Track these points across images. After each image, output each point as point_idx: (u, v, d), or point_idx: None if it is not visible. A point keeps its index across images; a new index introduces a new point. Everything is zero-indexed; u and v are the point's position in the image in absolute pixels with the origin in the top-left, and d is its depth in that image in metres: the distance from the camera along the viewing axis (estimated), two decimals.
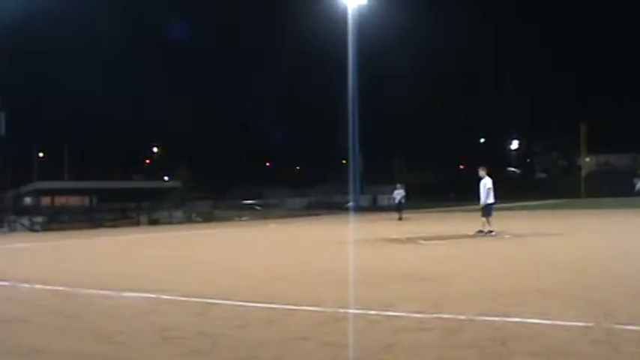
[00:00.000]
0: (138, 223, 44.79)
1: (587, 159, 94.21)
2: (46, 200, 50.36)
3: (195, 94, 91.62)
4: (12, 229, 39.81)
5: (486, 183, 22.08)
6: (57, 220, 43.61)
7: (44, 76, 76.41)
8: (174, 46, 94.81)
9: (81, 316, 9.10)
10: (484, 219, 21.91)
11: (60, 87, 75.44)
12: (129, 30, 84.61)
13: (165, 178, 76.91)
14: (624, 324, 7.11)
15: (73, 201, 52.06)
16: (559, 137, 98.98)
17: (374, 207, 72.77)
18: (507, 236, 20.98)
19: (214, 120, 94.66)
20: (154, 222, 45.58)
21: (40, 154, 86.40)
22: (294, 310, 8.75)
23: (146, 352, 6.94)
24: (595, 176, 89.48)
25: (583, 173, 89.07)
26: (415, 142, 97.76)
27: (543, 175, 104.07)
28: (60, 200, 51.40)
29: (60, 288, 11.94)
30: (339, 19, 47.98)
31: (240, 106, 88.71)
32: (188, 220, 48.98)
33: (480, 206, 22.30)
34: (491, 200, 22.00)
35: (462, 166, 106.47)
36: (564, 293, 9.33)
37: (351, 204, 63.81)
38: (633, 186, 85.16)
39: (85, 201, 51.80)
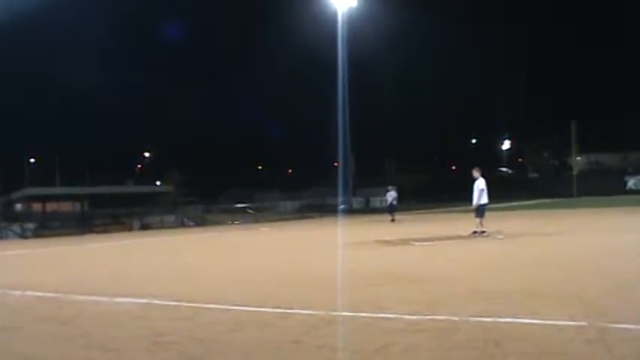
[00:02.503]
0: (130, 229, 44.82)
1: (578, 158, 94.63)
2: (37, 206, 50.35)
3: (187, 98, 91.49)
4: (3, 236, 39.71)
5: (479, 184, 22.07)
6: (48, 226, 43.63)
7: (36, 80, 76.27)
8: (164, 49, 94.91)
9: (73, 322, 9.04)
10: (477, 220, 21.91)
11: (52, 92, 75.33)
12: (121, 31, 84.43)
13: (157, 182, 76.88)
14: (617, 323, 7.09)
15: (65, 207, 52.02)
16: (550, 137, 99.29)
17: (366, 209, 72.94)
18: (500, 237, 20.97)
19: (206, 124, 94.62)
20: (145, 227, 45.56)
21: (32, 160, 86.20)
22: (287, 313, 8.71)
23: (138, 357, 6.90)
24: (586, 175, 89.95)
25: (574, 172, 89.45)
26: (407, 144, 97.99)
27: (535, 175, 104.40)
28: (51, 206, 51.38)
29: (51, 295, 11.90)
30: (329, 22, 48.06)
31: (232, 109, 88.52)
32: (180, 224, 49.02)
33: (473, 207, 22.30)
34: (484, 201, 21.99)
35: (454, 167, 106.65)
36: (557, 293, 9.31)
37: (343, 206, 63.87)
38: (624, 184, 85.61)
39: (77, 207, 51.73)
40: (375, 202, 76.02)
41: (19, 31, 65.64)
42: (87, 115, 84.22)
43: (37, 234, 40.18)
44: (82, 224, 45.21)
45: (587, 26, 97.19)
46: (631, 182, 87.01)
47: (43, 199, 51.10)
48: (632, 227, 24.07)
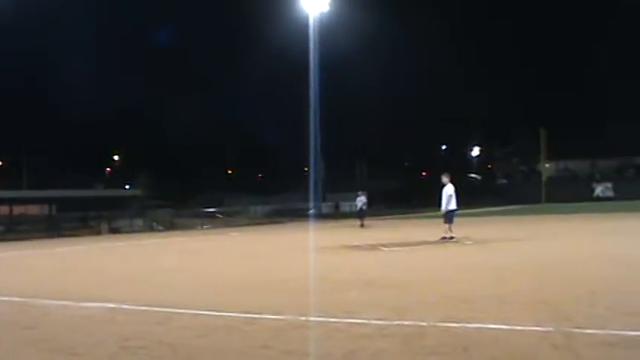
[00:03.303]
0: (98, 232, 44.49)
1: (547, 165, 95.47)
2: (4, 209, 49.60)
3: (159, 102, 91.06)
4: None
5: (448, 190, 22.17)
6: (15, 229, 43.11)
7: (3, 80, 75.54)
8: (137, 52, 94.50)
9: (38, 327, 8.95)
10: (446, 225, 22.01)
11: (20, 93, 74.61)
12: (90, 32, 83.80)
13: (127, 186, 76.33)
14: (583, 328, 7.17)
15: (32, 210, 51.40)
16: (519, 143, 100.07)
17: (336, 214, 72.93)
18: (469, 242, 21.09)
19: (177, 127, 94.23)
20: (114, 231, 45.23)
21: None
22: (255, 318, 8.69)
23: None
24: (555, 182, 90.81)
25: (543, 179, 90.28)
26: (377, 150, 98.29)
27: (504, 181, 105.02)
28: (18, 209, 50.69)
29: (16, 299, 11.77)
30: (300, 27, 48.05)
31: (203, 113, 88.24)
32: (149, 228, 48.70)
33: (442, 213, 22.40)
34: (452, 207, 22.10)
35: (424, 173, 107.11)
36: (524, 298, 9.39)
37: (312, 211, 63.89)
38: (592, 191, 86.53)
39: (45, 210, 51.15)
40: (345, 207, 76.11)
41: None
42: (56, 118, 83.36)
43: (4, 237, 39.66)
44: (50, 228, 44.78)
45: (561, 33, 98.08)
46: (598, 189, 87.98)
47: (10, 202, 50.42)
48: (599, 234, 24.32)
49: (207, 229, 49.24)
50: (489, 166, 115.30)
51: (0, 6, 55.14)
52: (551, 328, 7.22)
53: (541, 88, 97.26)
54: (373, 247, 20.97)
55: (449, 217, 22.06)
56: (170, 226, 50.74)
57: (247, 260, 19.45)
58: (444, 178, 22.47)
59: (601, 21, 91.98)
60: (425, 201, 67.19)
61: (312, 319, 8.41)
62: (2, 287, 13.62)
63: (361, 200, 39.49)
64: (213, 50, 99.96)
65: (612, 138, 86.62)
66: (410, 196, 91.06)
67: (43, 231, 43.72)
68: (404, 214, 62.88)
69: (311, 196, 70.12)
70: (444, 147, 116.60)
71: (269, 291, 11.58)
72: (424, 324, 7.78)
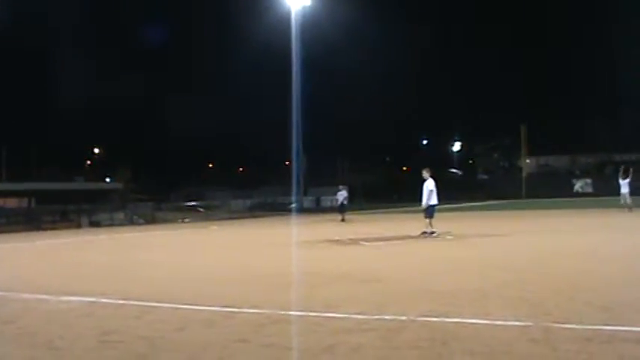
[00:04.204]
0: (78, 226, 44.26)
1: (528, 160, 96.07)
2: None
3: (139, 95, 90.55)
4: None
5: (429, 185, 22.20)
6: None
7: None
8: (120, 48, 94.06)
9: (17, 321, 8.88)
10: (427, 220, 22.04)
11: None
12: (73, 26, 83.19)
13: (107, 179, 75.96)
14: (561, 323, 7.22)
15: (11, 203, 51.01)
16: (500, 139, 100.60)
17: (317, 208, 72.98)
18: (449, 237, 21.16)
19: (157, 121, 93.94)
20: (94, 224, 45.02)
21: None
22: (234, 312, 8.68)
23: (84, 356, 6.81)
24: (535, 177, 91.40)
25: (524, 174, 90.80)
26: (358, 144, 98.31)
27: (485, 177, 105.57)
28: None
29: None
30: (282, 22, 48.01)
31: (184, 107, 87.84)
32: (129, 222, 48.49)
33: (422, 208, 22.44)
34: (433, 202, 22.11)
35: (404, 168, 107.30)
36: (503, 293, 9.43)
37: (294, 205, 63.88)
38: (572, 187, 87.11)
39: (24, 203, 50.79)
40: (326, 201, 76.10)
41: None
42: (35, 110, 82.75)
43: None
44: (29, 221, 44.50)
45: (542, 30, 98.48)
46: (578, 185, 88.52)
47: None
48: (578, 229, 24.49)
49: (187, 222, 49.10)
50: (470, 161, 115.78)
51: None
52: (530, 323, 7.26)
53: (522, 85, 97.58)
54: (354, 242, 21.00)
55: (430, 211, 22.08)
56: (151, 220, 50.55)
57: (227, 254, 19.45)
58: (425, 173, 22.47)
59: (581, 19, 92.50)
60: (406, 196, 67.41)
61: (291, 313, 8.41)
62: None
63: (342, 195, 39.50)
64: (194, 45, 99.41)
65: (592, 135, 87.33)
66: (391, 191, 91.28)
67: (21, 224, 43.42)
68: (385, 208, 62.98)
69: (293, 190, 70.04)
70: (425, 142, 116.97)
71: (248, 285, 11.56)
72: (404, 318, 7.80)
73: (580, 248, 16.58)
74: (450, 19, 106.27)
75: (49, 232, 38.00)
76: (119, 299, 10.23)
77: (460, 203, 63.06)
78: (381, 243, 20.56)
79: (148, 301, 9.90)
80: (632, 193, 34.83)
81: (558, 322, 7.25)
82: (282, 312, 8.50)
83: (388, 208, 64.45)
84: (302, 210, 64.39)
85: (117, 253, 22.06)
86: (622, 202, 34.89)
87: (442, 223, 23.84)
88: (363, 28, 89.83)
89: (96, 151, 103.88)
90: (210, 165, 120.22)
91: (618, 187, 35.79)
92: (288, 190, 72.26)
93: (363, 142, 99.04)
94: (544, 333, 6.79)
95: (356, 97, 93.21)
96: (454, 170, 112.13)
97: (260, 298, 9.72)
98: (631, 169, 35.97)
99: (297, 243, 21.74)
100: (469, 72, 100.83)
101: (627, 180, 35.09)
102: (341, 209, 39.16)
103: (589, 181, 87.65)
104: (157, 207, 59.11)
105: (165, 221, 49.92)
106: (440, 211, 24.30)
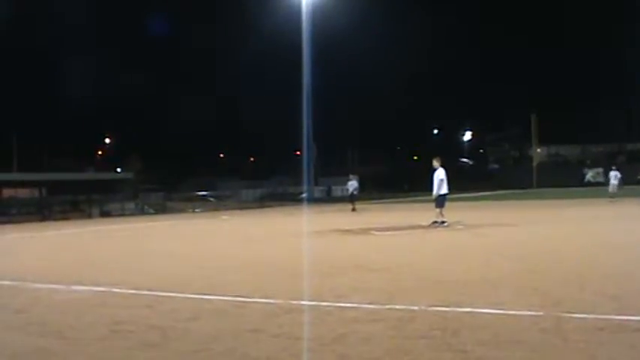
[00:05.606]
0: (89, 216, 44.34)
1: (538, 150, 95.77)
2: None
3: (150, 85, 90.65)
4: None
5: (439, 174, 22.15)
6: (5, 212, 42.85)
7: None
8: (130, 39, 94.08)
9: (28, 310, 8.90)
10: (437, 210, 22.01)
11: (10, 75, 74.00)
12: (82, 19, 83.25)
13: (118, 169, 76.08)
14: (572, 312, 7.20)
15: (22, 193, 50.99)
16: (511, 128, 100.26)
17: (328, 198, 72.98)
18: (460, 227, 21.13)
19: (169, 111, 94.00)
20: (105, 214, 45.13)
21: None
22: (246, 302, 8.68)
23: (95, 345, 6.80)
24: (546, 167, 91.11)
25: (534, 164, 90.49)
26: (369, 134, 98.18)
27: (496, 166, 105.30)
28: (8, 192, 50.31)
29: (6, 282, 11.72)
30: (293, 11, 47.83)
31: (194, 97, 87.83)
32: (140, 212, 48.59)
33: (433, 197, 22.40)
34: (443, 191, 22.08)
35: (415, 157, 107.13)
36: (515, 283, 9.41)
37: (304, 195, 63.90)
38: (583, 176, 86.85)
39: (35, 193, 50.85)
40: (337, 191, 76.10)
41: None
42: (47, 101, 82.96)
43: None
44: (40, 211, 44.61)
45: (552, 18, 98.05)
46: (589, 175, 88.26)
47: (0, 185, 50.09)
48: (589, 219, 24.41)
49: (198, 212, 49.18)
50: (481, 150, 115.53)
51: None
52: (541, 313, 7.25)
53: (533, 74, 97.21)
54: (365, 232, 20.98)
55: (440, 201, 22.05)
56: (161, 210, 50.62)
57: (238, 244, 19.44)
58: (435, 163, 22.43)
59: (592, 9, 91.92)
60: (416, 185, 67.31)
61: (302, 302, 8.41)
62: None
63: (353, 184, 39.51)
64: (204, 35, 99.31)
65: (603, 124, 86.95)
66: (401, 181, 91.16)
67: (33, 214, 43.53)
68: (395, 198, 62.96)
69: (303, 180, 70.04)
70: (435, 131, 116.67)
71: (260, 275, 11.56)
72: (415, 308, 7.79)
73: (591, 238, 16.54)
74: (462, 9, 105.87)
75: (60, 223, 38.09)
76: (130, 289, 10.25)
77: (471, 193, 62.94)
78: (391, 233, 20.56)
79: (159, 290, 9.91)
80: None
81: (569, 312, 7.23)
82: (294, 302, 8.51)
83: (399, 197, 64.42)
84: (313, 200, 64.44)
85: (128, 243, 22.11)
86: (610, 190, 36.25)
87: (453, 212, 23.83)
88: (374, 16, 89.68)
89: (107, 141, 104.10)
90: (221, 155, 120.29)
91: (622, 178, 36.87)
92: (298, 180, 72.30)
93: (373, 132, 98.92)
94: (555, 323, 6.78)
95: (366, 87, 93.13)
96: (465, 160, 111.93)
97: (271, 288, 9.74)
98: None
99: (307, 233, 21.71)
100: (481, 61, 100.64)
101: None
102: (351, 199, 39.16)
103: (601, 170, 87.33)
104: (168, 197, 59.12)
105: (176, 211, 49.99)
106: (450, 200, 24.28)
